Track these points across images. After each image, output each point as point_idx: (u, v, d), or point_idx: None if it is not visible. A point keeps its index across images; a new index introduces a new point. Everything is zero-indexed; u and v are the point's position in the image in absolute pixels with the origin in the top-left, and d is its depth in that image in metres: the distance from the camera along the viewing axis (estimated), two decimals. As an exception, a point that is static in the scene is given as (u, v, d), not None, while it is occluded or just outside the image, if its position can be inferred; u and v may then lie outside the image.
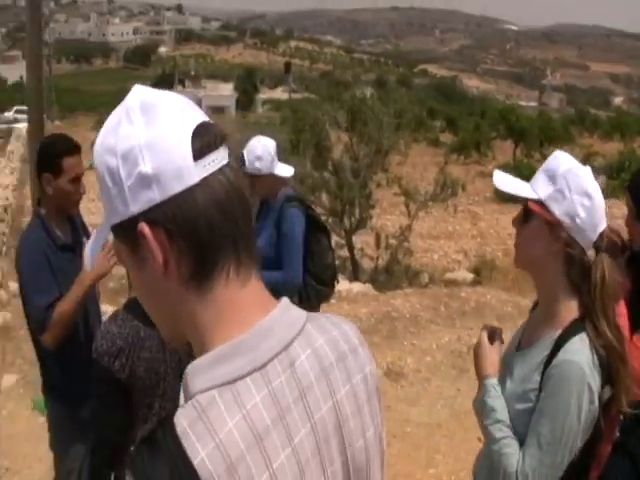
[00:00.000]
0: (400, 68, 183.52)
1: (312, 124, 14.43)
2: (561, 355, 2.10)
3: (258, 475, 1.03)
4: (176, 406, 1.08)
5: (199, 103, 74.15)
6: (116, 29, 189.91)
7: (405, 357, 7.53)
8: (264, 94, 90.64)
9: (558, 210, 2.12)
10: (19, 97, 74.02)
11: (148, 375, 2.63)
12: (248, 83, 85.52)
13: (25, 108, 43.78)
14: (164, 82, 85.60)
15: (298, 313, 1.19)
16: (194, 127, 1.08)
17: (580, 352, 2.08)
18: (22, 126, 46.81)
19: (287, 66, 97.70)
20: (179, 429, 1.01)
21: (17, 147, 34.10)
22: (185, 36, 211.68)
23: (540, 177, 2.20)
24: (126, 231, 1.09)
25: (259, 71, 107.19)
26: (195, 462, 0.99)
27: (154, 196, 1.05)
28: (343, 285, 9.84)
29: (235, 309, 1.12)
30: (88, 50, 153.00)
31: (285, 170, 4.68)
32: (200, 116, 1.12)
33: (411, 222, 14.38)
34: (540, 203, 2.16)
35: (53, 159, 3.53)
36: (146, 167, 1.04)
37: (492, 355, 2.41)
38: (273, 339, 1.12)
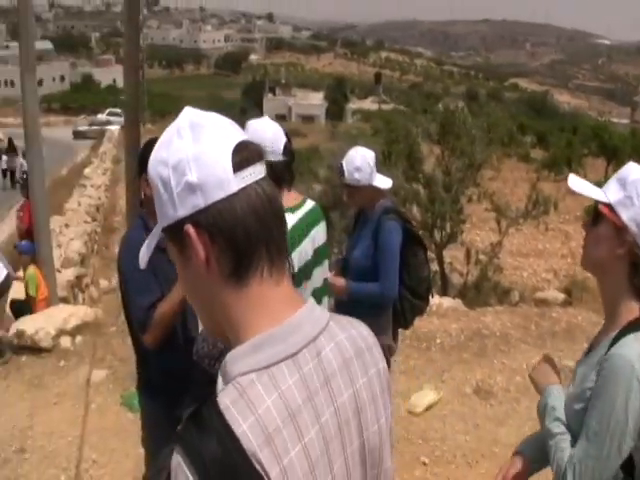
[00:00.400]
0: (490, 81, 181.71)
1: (404, 136, 14.38)
2: (612, 350, 2.13)
3: (292, 447, 1.19)
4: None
5: (289, 111, 75.10)
6: (208, 36, 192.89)
7: (495, 376, 7.40)
8: (354, 104, 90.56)
9: (625, 215, 2.19)
10: (112, 100, 76.33)
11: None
12: (338, 93, 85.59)
13: (117, 111, 45.34)
14: (254, 89, 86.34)
15: (322, 312, 1.37)
16: (235, 144, 1.26)
17: (631, 347, 2.09)
18: (114, 128, 48.16)
19: (377, 77, 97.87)
20: (222, 406, 1.17)
21: (109, 148, 35.00)
22: (276, 44, 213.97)
23: (612, 183, 2.28)
24: (175, 232, 1.28)
25: (349, 81, 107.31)
26: (237, 432, 1.14)
27: (198, 202, 1.24)
28: (433, 299, 9.75)
29: (267, 305, 1.28)
30: (180, 56, 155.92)
31: (383, 182, 4.64)
32: (240, 135, 1.30)
33: (502, 239, 14.18)
34: (610, 207, 2.22)
35: (144, 160, 3.55)
36: (192, 177, 1.23)
37: (550, 371, 2.51)
38: (301, 333, 1.29)
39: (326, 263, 3.90)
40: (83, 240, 12.40)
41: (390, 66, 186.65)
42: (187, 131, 1.27)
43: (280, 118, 61.23)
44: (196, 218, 1.24)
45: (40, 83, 48.18)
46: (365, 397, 1.39)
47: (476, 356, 7.94)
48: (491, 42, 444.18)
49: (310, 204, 3.80)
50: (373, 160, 4.58)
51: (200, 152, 1.25)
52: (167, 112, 55.29)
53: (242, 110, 63.53)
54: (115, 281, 12.66)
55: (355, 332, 1.42)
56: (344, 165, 4.55)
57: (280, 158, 3.58)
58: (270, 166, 3.69)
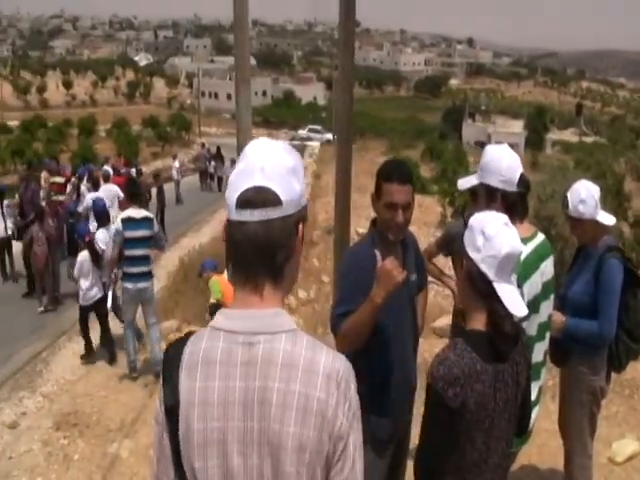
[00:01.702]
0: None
1: (611, 171, 13.90)
2: None
3: (199, 383, 1.85)
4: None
5: (488, 138, 74.02)
6: (408, 59, 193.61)
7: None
8: (554, 134, 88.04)
9: None
10: (312, 117, 78.16)
11: (477, 409, 2.66)
12: (538, 122, 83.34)
13: (318, 127, 46.61)
14: (454, 114, 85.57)
15: (286, 323, 1.85)
16: (247, 187, 1.82)
17: None
18: (315, 144, 49.38)
19: (578, 108, 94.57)
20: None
21: (310, 164, 35.84)
22: (475, 70, 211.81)
23: None
24: None
25: (549, 110, 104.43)
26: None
27: (227, 214, 1.88)
28: None
29: (236, 299, 1.88)
30: (380, 77, 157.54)
31: (607, 218, 4.53)
32: (261, 181, 1.82)
33: None
34: None
35: (377, 181, 3.62)
36: (226, 195, 1.88)
37: None
38: (243, 323, 1.83)
39: (552, 298, 3.87)
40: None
41: (591, 97, 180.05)
42: (242, 155, 1.91)
43: (479, 145, 60.58)
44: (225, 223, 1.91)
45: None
46: (275, 399, 1.75)
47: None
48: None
49: (541, 237, 3.78)
50: (598, 194, 4.50)
51: (231, 178, 1.89)
52: (366, 132, 55.85)
53: (442, 134, 63.26)
54: (313, 293, 13.01)
55: (307, 354, 1.80)
56: (569, 197, 4.50)
57: (514, 189, 3.58)
58: (503, 196, 3.75)
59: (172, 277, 14.14)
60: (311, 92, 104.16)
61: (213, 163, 35.31)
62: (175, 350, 1.89)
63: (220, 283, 9.80)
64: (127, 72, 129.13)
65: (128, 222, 9.15)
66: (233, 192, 1.85)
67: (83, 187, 16.96)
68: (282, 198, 1.83)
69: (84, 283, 10.23)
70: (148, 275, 9.40)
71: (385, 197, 3.53)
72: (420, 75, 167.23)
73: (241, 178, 1.85)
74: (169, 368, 1.88)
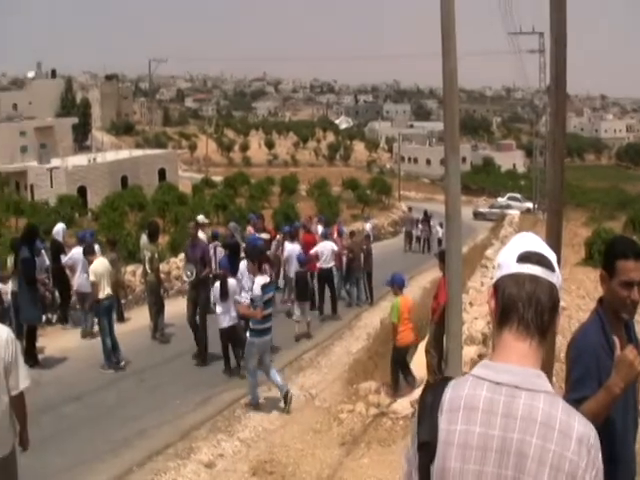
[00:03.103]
0: None
1: None
2: None
3: (460, 426, 2.02)
4: None
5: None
6: (609, 125, 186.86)
7: None
8: None
9: None
10: (511, 184, 77.02)
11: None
12: None
13: (517, 195, 46.26)
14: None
15: (542, 383, 1.98)
16: (527, 249, 2.10)
17: None
18: (514, 213, 48.62)
19: None
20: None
21: (510, 232, 35.34)
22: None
23: None
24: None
25: None
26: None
27: (500, 273, 2.13)
28: None
29: (504, 347, 2.06)
30: (581, 145, 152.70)
31: None
32: (538, 249, 2.11)
33: None
34: None
35: (609, 259, 3.56)
36: (500, 259, 2.17)
37: None
38: (507, 376, 1.98)
39: None
40: (486, 320, 12.67)
41: None
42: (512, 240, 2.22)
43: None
44: (496, 282, 2.13)
45: (443, 162, 50.19)
46: (532, 453, 1.88)
47: None
48: None
49: None
50: None
51: (508, 246, 2.19)
52: (566, 202, 54.65)
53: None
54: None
55: (563, 417, 1.92)
56: None
57: None
58: None
59: (372, 338, 14.29)
60: (510, 159, 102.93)
61: (420, 226, 37.12)
62: (433, 394, 2.08)
63: (401, 305, 10.23)
64: (327, 134, 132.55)
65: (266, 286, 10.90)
66: (511, 253, 2.13)
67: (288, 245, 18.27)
68: (555, 268, 2.10)
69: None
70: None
71: (621, 275, 3.49)
72: (622, 142, 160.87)
73: (518, 245, 2.15)
74: (427, 409, 2.07)
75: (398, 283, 11.33)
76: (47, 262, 16.01)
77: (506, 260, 2.11)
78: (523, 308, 2.02)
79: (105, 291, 13.12)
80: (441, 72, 7.51)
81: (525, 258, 2.07)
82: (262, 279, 10.98)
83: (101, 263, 13.44)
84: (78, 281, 15.57)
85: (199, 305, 13.81)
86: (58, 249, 16.74)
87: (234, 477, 8.49)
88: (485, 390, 1.97)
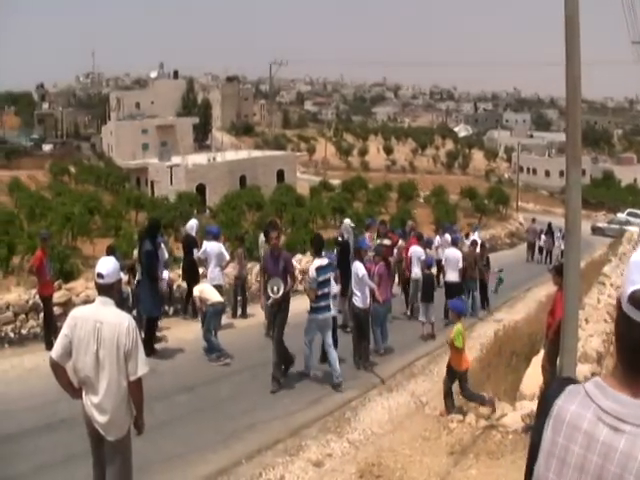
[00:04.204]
0: None
1: None
2: None
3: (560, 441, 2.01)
4: None
5: None
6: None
7: None
8: None
9: None
10: (631, 200, 74.42)
11: None
12: None
13: (638, 212, 44.39)
14: None
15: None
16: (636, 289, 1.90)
17: None
18: (634, 229, 46.96)
19: None
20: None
21: (628, 250, 34.20)
22: None
23: None
24: None
25: None
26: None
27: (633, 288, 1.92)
28: None
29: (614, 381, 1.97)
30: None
31: None
32: None
33: None
34: None
35: None
36: (624, 278, 1.99)
37: None
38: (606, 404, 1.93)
39: None
40: (601, 339, 12.33)
41: None
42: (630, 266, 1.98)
43: None
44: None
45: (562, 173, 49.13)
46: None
47: None
48: None
49: None
50: None
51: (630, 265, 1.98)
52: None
53: None
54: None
55: None
56: None
57: None
58: None
59: (486, 350, 14.13)
60: (631, 173, 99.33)
61: (544, 237, 38.53)
62: (554, 390, 2.09)
63: (462, 330, 10.50)
64: (446, 142, 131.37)
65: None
66: (629, 283, 1.95)
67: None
68: None
69: None
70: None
71: None
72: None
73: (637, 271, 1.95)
74: (544, 403, 2.10)
75: (457, 311, 11.10)
76: (166, 256, 16.54)
77: (623, 287, 1.98)
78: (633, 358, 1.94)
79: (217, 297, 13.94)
80: (564, 81, 7.38)
81: (638, 303, 1.91)
82: (319, 261, 12.12)
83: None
84: (211, 275, 15.93)
85: (276, 325, 12.04)
86: (191, 243, 17.35)
87: (341, 478, 8.54)
88: (591, 413, 1.94)
